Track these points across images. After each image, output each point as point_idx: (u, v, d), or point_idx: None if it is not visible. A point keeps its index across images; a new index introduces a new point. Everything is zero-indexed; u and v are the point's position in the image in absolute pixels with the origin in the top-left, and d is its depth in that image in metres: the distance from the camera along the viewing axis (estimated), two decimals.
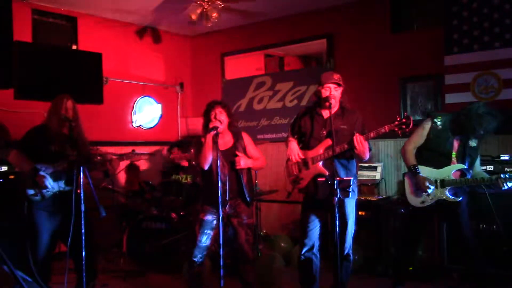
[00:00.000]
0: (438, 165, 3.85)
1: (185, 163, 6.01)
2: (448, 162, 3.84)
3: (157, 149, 6.68)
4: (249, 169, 4.00)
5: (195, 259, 3.90)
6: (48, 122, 4.04)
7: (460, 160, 3.83)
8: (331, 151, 3.51)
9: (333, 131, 3.49)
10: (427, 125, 3.90)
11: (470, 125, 3.66)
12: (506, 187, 3.63)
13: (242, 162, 3.86)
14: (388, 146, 5.59)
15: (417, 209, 3.93)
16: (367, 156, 3.57)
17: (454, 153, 3.85)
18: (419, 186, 3.85)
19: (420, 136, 3.92)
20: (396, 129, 3.39)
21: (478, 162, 3.93)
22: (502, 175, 3.64)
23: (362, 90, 5.80)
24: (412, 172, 3.89)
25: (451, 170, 3.82)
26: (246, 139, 4.03)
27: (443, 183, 3.81)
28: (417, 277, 4.58)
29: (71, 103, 4.04)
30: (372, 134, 3.48)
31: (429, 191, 3.81)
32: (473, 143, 3.82)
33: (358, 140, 3.45)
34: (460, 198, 3.82)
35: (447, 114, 3.92)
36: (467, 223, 3.89)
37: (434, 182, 3.83)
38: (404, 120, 3.35)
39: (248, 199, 3.92)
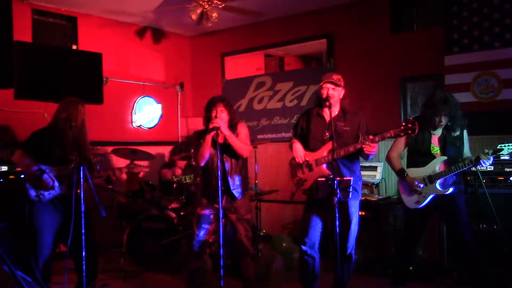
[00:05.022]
0: (424, 164, 3.92)
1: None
2: (431, 158, 3.91)
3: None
4: (241, 161, 4.01)
5: (194, 252, 3.95)
6: (57, 124, 3.99)
7: (443, 152, 3.90)
8: (336, 154, 3.51)
9: (336, 133, 3.51)
10: None
11: (432, 112, 3.84)
12: (485, 164, 3.69)
13: (220, 122, 3.79)
14: (388, 146, 5.57)
15: (416, 210, 3.95)
16: (372, 156, 3.62)
17: (437, 148, 3.93)
18: (410, 188, 3.92)
19: (401, 142, 4.07)
20: (402, 134, 3.42)
21: (466, 149, 3.99)
22: (482, 155, 3.68)
23: (362, 90, 5.80)
24: (400, 176, 3.99)
25: (436, 164, 3.88)
26: (240, 128, 4.02)
27: (431, 179, 3.86)
28: (417, 277, 4.57)
29: (84, 109, 4.07)
30: (377, 139, 3.49)
31: (419, 189, 3.87)
32: (456, 132, 3.91)
33: (369, 148, 3.47)
34: (451, 188, 3.84)
35: (417, 116, 4.06)
36: (466, 223, 3.90)
37: (423, 180, 3.88)
38: (409, 125, 3.37)
39: (232, 189, 3.91)
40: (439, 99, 3.86)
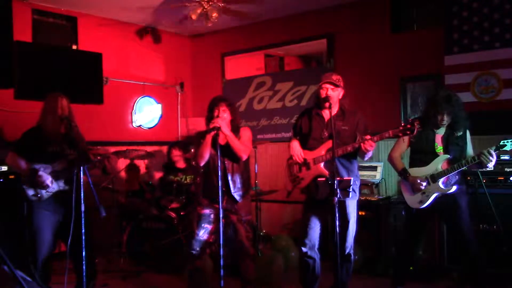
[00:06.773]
0: (426, 163, 3.90)
1: (182, 165, 5.96)
2: (434, 157, 3.88)
3: (156, 150, 6.69)
4: (242, 162, 3.98)
5: (193, 251, 3.93)
6: (43, 122, 4.00)
7: (446, 151, 3.87)
8: (333, 153, 3.51)
9: (335, 132, 3.50)
10: None
11: (435, 110, 3.82)
12: (490, 164, 3.62)
13: (221, 122, 3.76)
14: (388, 146, 5.58)
15: (418, 211, 3.94)
16: (368, 156, 3.62)
17: (440, 147, 3.89)
18: (413, 187, 3.89)
19: (403, 142, 4.03)
20: (401, 134, 3.41)
21: (469, 149, 3.94)
22: (484, 151, 3.63)
23: (362, 90, 5.80)
24: (403, 176, 3.97)
25: (438, 163, 3.85)
26: (243, 132, 3.99)
27: (433, 178, 3.84)
28: (417, 277, 4.57)
29: (66, 101, 4.03)
30: (376, 138, 3.49)
31: (423, 187, 3.84)
32: (459, 132, 3.88)
33: (367, 145, 3.46)
34: (454, 187, 3.81)
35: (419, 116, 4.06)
36: (468, 224, 3.89)
37: (425, 179, 3.85)
38: (408, 126, 3.36)
39: (233, 192, 3.89)
40: (442, 97, 3.83)
